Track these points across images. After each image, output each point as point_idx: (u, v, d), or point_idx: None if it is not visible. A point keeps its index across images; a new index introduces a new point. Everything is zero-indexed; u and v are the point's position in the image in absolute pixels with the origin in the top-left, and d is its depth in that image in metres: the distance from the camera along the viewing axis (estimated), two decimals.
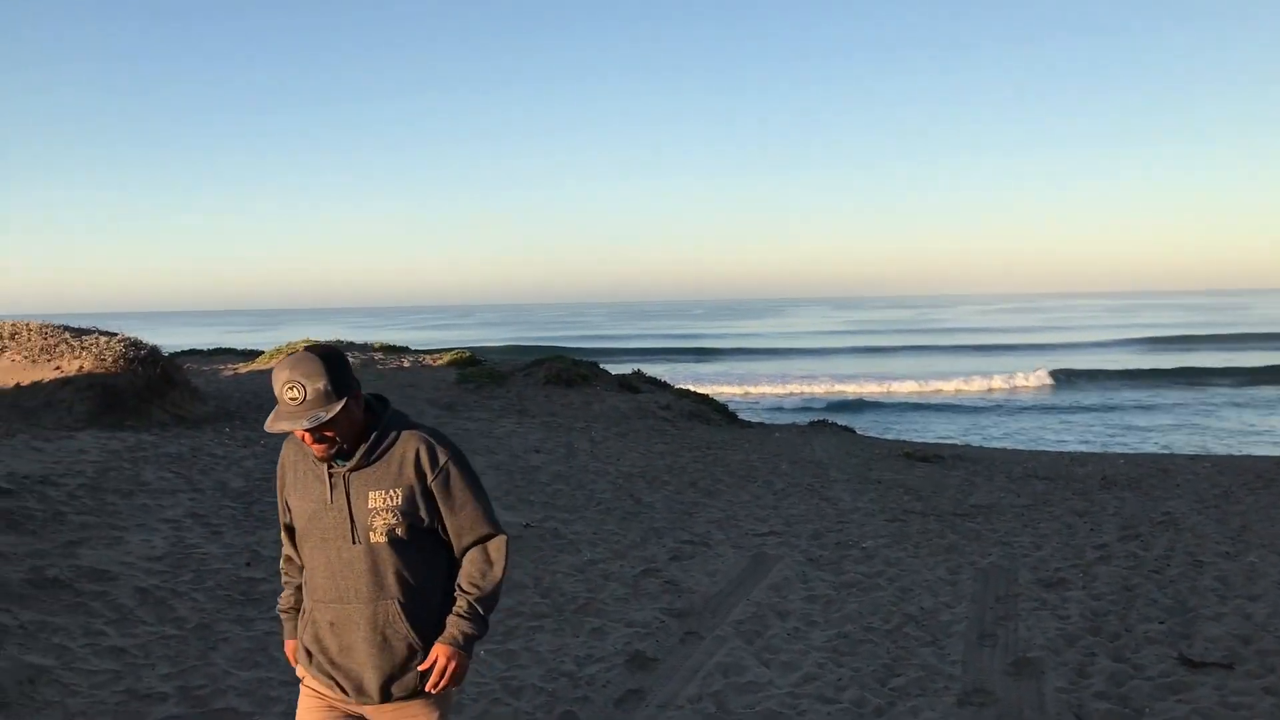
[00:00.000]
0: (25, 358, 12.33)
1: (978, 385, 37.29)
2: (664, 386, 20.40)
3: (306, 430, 2.50)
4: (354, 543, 2.59)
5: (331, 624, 2.64)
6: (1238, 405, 30.44)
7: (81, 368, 11.90)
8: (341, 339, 25.66)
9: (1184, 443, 22.38)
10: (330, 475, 2.61)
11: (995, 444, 20.35)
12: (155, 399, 12.05)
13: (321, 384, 2.47)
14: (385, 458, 2.61)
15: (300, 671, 2.77)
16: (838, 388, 37.51)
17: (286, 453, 2.74)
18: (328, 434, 2.53)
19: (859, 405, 32.12)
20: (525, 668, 5.40)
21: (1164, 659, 5.49)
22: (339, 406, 2.48)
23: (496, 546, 2.72)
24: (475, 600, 2.66)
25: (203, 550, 7.00)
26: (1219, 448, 21.25)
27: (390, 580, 2.60)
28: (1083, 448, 20.92)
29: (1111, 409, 30.09)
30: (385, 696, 2.63)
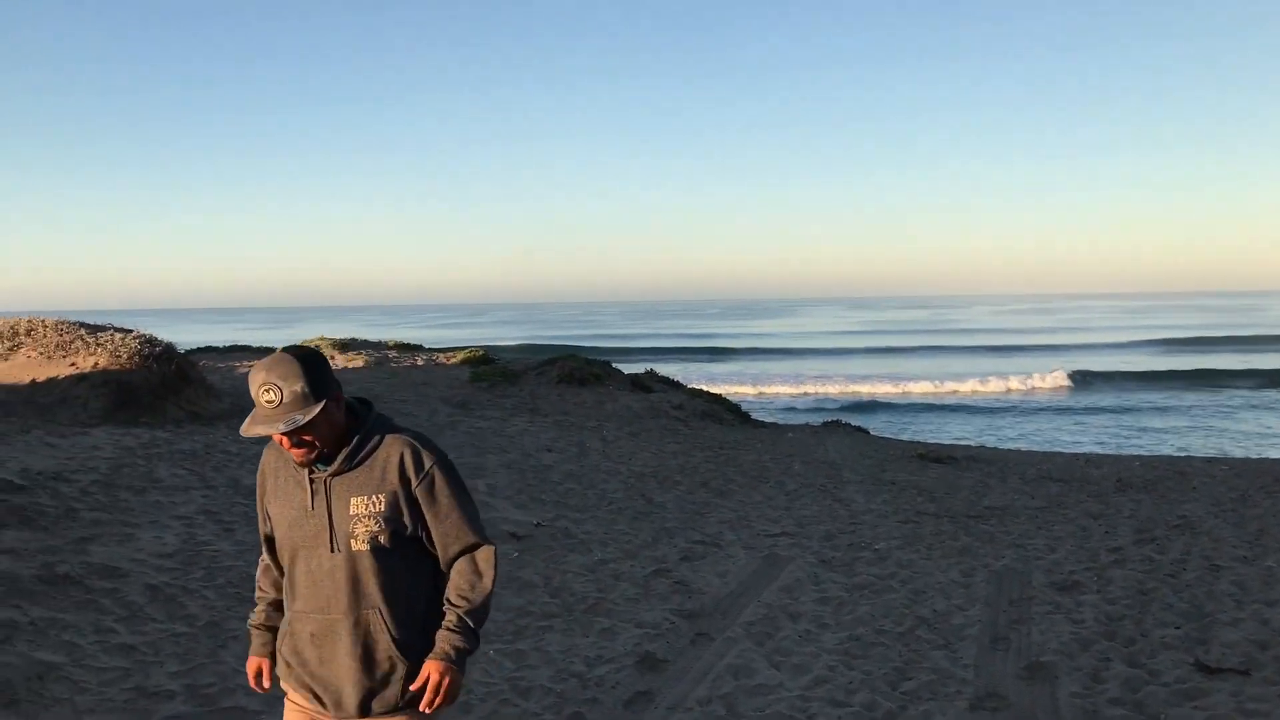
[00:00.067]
0: (41, 354, 12.38)
1: (995, 386, 37.10)
2: (677, 386, 20.37)
3: (284, 435, 2.42)
4: (335, 551, 2.51)
5: (312, 635, 2.56)
6: (1255, 408, 30.19)
7: (97, 364, 11.95)
8: (356, 337, 25.72)
9: (1201, 445, 22.21)
10: (311, 481, 2.53)
11: (1010, 445, 20.24)
12: (170, 396, 12.08)
13: (298, 386, 2.38)
14: (368, 463, 2.53)
15: (255, 684, 2.73)
16: (852, 388, 37.38)
17: (267, 458, 2.66)
18: (306, 438, 2.44)
19: (873, 406, 31.99)
20: (534, 668, 5.38)
21: (1180, 665, 5.43)
22: (317, 409, 2.40)
23: (485, 557, 2.62)
24: (465, 614, 2.56)
25: (214, 547, 7.01)
26: (1236, 450, 21.08)
27: (372, 590, 2.51)
28: (1098, 449, 20.78)
29: (1127, 410, 29.89)
30: (365, 711, 2.54)
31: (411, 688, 2.54)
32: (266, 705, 4.63)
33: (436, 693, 2.52)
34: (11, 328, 13.03)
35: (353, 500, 2.50)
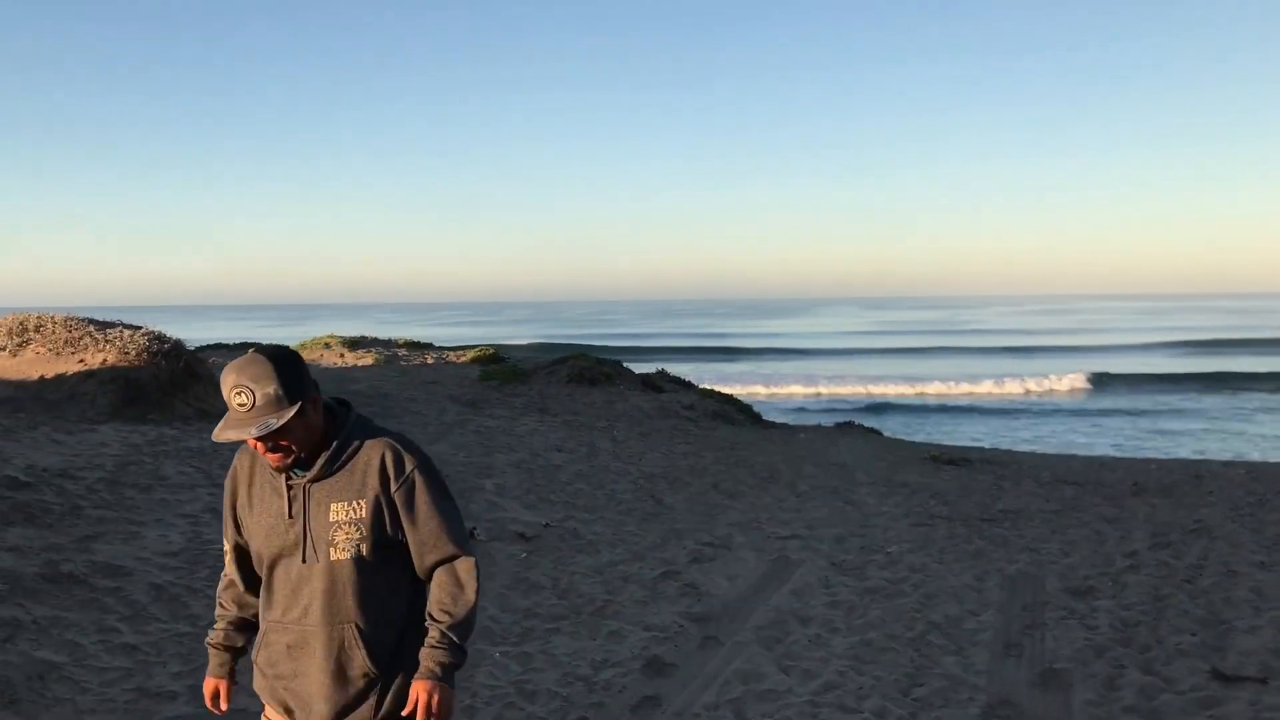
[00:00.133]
0: (50, 350, 12.39)
1: (1012, 388, 36.91)
2: (688, 386, 20.30)
3: (257, 439, 2.32)
4: (314, 560, 2.42)
5: (289, 646, 2.47)
6: (1273, 411, 29.97)
7: (105, 361, 11.95)
8: (366, 334, 25.74)
9: (1218, 448, 22.04)
10: (289, 488, 2.43)
11: (1024, 447, 20.10)
12: (178, 393, 12.07)
13: (271, 388, 2.28)
14: (348, 467, 2.43)
15: (212, 706, 2.66)
16: (865, 389, 37.25)
17: (240, 463, 2.55)
18: (282, 443, 2.34)
19: (887, 407, 31.88)
20: (540, 671, 5.32)
21: (1196, 672, 5.33)
22: (291, 413, 2.30)
23: (465, 569, 2.50)
24: (448, 628, 2.45)
25: (219, 546, 6.93)
26: (1254, 453, 20.89)
27: (350, 603, 2.42)
28: (1114, 452, 20.64)
29: (1143, 413, 29.70)
30: None
31: (404, 713, 2.45)
32: None
33: (429, 713, 2.42)
34: (20, 323, 13.05)
35: (333, 506, 2.42)
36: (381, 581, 2.47)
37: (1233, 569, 7.53)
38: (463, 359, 21.40)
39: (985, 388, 36.94)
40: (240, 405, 2.30)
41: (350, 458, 2.44)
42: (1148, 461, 15.67)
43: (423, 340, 24.93)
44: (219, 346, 24.96)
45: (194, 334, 26.54)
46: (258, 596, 2.61)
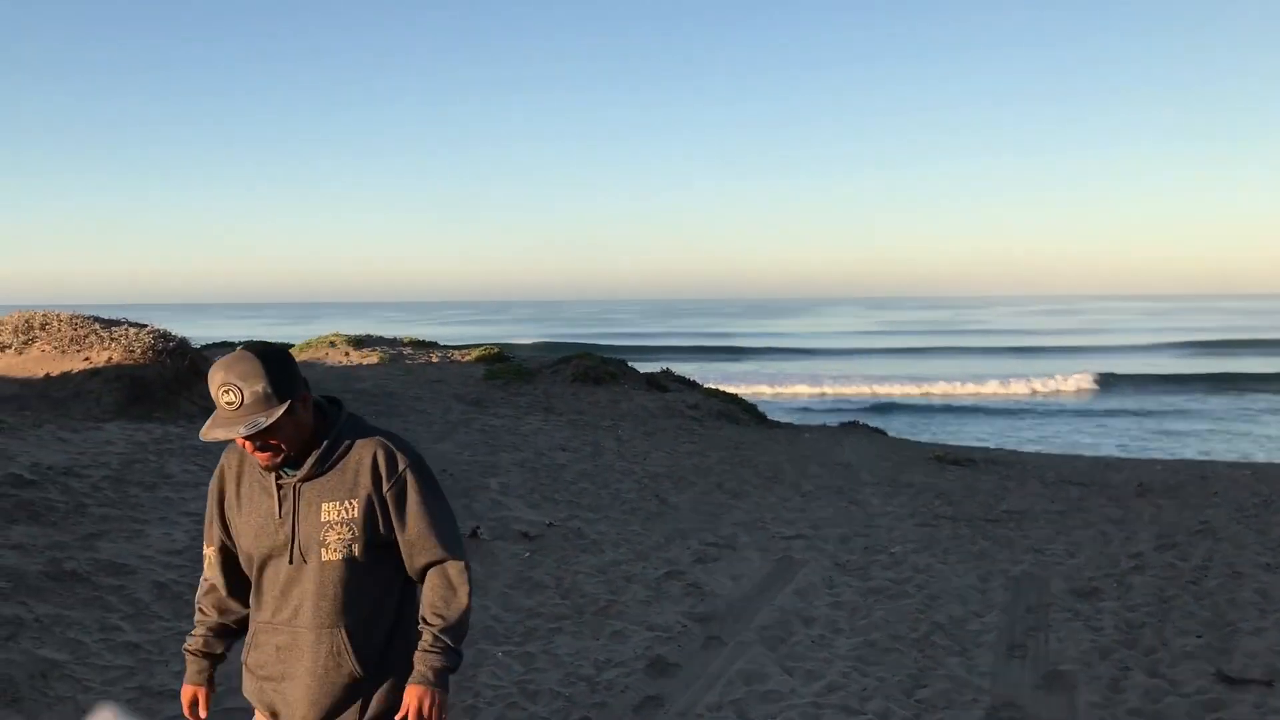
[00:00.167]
0: (55, 348, 12.41)
1: (1017, 388, 36.83)
2: (693, 385, 20.28)
3: (246, 438, 2.28)
4: (303, 561, 2.39)
5: (278, 648, 2.44)
6: (1279, 412, 29.87)
7: (110, 359, 11.96)
8: (371, 333, 25.75)
9: (1223, 449, 21.97)
10: (279, 487, 2.40)
11: (1030, 448, 20.06)
12: (184, 391, 12.08)
13: (260, 386, 2.24)
14: (339, 466, 2.40)
15: (190, 714, 2.64)
16: (870, 389, 37.19)
17: (228, 462, 2.50)
18: (271, 441, 2.30)
19: (892, 407, 31.83)
20: (543, 671, 5.32)
21: (1201, 675, 5.31)
22: (280, 411, 2.26)
23: (456, 572, 2.46)
24: (441, 631, 2.42)
25: None
26: (1259, 454, 20.82)
27: (340, 605, 2.39)
28: (1119, 453, 20.59)
29: (1149, 414, 29.63)
30: None
31: (395, 718, 2.41)
32: None
33: (421, 719, 2.39)
34: (26, 321, 13.07)
35: (324, 506, 2.38)
36: (373, 582, 2.44)
37: (1238, 570, 7.50)
38: (467, 358, 21.39)
39: (990, 388, 36.86)
40: (228, 404, 2.26)
41: (341, 457, 2.41)
42: (1153, 462, 15.64)
43: (428, 339, 24.94)
44: (225, 344, 25.01)
45: (199, 332, 26.60)
46: (239, 601, 2.58)
